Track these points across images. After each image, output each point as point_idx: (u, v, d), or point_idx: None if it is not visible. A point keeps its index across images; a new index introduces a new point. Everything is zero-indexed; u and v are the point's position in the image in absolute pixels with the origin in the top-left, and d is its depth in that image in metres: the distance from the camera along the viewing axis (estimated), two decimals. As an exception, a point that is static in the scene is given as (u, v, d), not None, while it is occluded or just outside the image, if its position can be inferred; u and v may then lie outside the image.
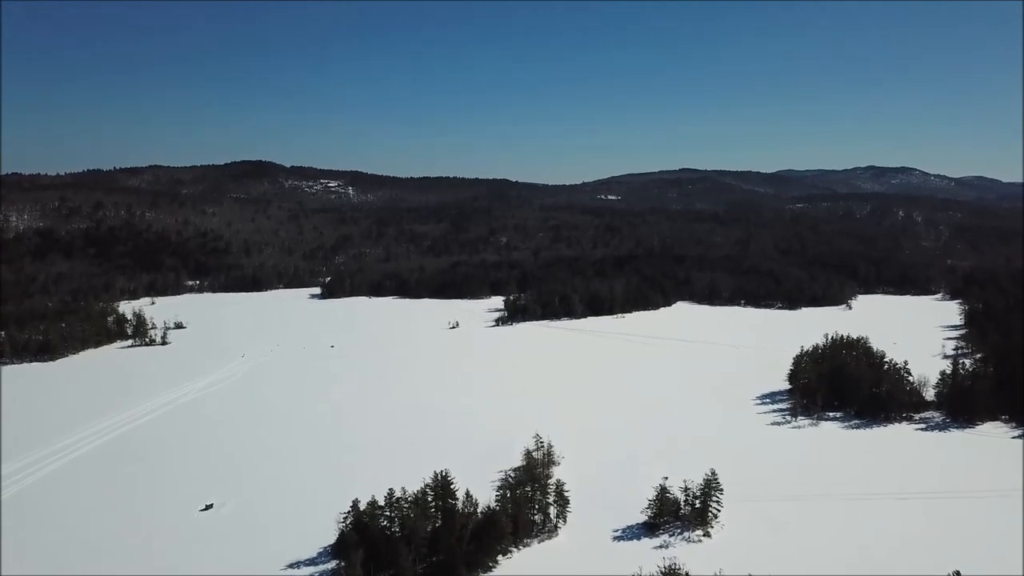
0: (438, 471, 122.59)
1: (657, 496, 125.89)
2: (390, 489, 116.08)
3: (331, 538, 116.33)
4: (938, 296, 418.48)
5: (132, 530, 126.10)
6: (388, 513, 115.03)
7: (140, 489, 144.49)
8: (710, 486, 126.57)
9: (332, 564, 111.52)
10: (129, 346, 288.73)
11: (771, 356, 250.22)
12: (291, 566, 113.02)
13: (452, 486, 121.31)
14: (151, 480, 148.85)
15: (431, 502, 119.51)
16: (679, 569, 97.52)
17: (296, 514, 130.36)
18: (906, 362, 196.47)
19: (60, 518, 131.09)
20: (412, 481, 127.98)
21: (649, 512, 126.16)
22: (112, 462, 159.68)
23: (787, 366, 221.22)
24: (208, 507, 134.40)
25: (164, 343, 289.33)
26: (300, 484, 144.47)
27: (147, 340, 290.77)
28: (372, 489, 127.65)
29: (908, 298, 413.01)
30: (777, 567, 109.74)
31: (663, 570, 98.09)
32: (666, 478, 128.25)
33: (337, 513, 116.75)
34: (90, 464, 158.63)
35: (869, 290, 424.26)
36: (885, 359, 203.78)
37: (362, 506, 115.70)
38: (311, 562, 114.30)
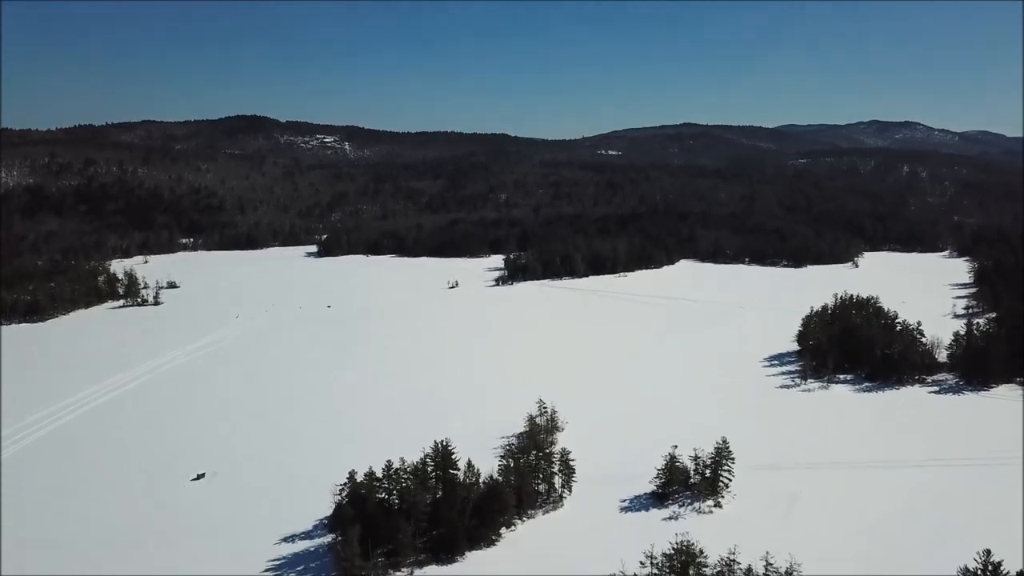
0: (438, 440, 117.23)
1: (666, 465, 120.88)
2: (388, 461, 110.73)
3: (326, 510, 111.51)
4: (945, 254, 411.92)
5: (122, 500, 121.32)
6: (386, 485, 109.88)
7: (129, 457, 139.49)
8: (721, 455, 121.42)
9: (328, 538, 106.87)
10: (120, 307, 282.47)
11: (778, 316, 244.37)
12: (286, 540, 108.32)
13: (453, 456, 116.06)
14: (140, 448, 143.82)
15: (431, 473, 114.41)
16: (692, 546, 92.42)
17: (290, 485, 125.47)
18: (919, 323, 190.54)
19: (47, 488, 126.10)
20: (411, 450, 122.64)
21: (657, 482, 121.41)
22: (100, 429, 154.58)
23: (794, 326, 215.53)
24: (199, 476, 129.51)
25: (156, 303, 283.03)
26: (294, 453, 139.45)
27: (139, 300, 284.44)
28: (368, 459, 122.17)
29: (915, 256, 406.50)
30: (792, 540, 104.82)
31: (675, 546, 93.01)
32: (675, 447, 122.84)
33: (332, 484, 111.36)
34: (77, 431, 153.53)
35: (875, 248, 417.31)
36: (897, 320, 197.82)
37: (359, 477, 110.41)
38: (306, 535, 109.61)
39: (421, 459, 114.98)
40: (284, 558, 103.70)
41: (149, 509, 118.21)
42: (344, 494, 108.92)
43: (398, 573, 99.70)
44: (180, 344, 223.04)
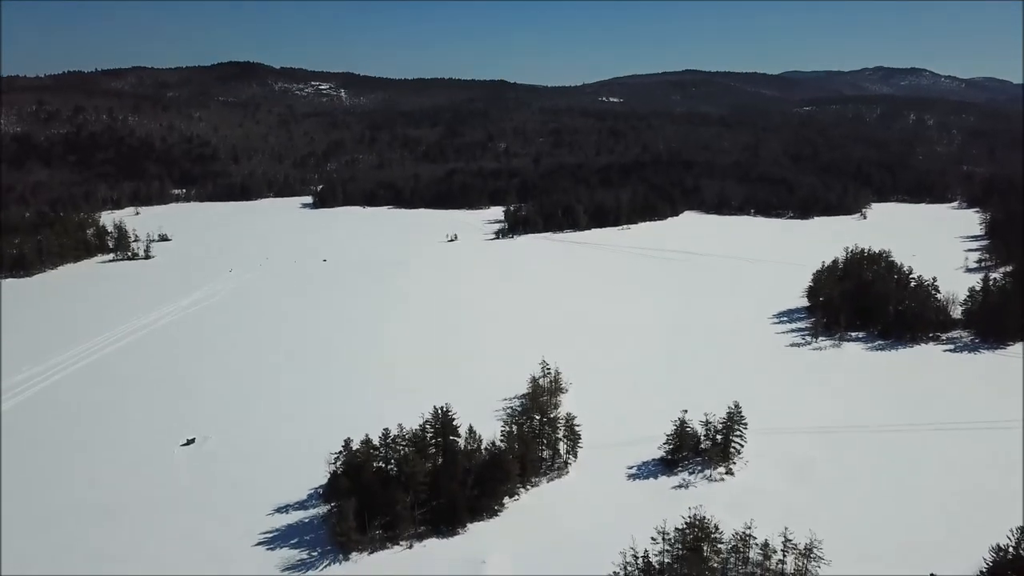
0: (438, 406, 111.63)
1: (675, 431, 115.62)
2: (385, 429, 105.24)
3: (321, 478, 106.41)
4: (954, 204, 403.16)
5: (109, 468, 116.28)
6: (383, 453, 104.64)
7: (117, 420, 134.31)
8: (733, 420, 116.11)
9: (323, 508, 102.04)
10: (110, 260, 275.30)
11: (786, 270, 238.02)
12: (279, 510, 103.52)
13: (454, 423, 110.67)
14: (128, 411, 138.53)
15: (431, 440, 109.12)
16: (707, 522, 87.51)
17: (283, 450, 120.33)
18: (935, 279, 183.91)
19: (32, 455, 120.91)
20: (409, 414, 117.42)
21: (666, 448, 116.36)
22: (87, 390, 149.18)
23: (804, 281, 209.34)
24: (189, 442, 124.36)
25: (147, 257, 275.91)
26: (287, 418, 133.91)
27: (129, 254, 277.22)
28: (365, 425, 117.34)
29: (924, 206, 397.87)
30: (807, 510, 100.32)
31: (688, 520, 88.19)
32: (685, 411, 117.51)
33: (327, 453, 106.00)
34: (63, 393, 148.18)
35: (883, 198, 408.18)
36: (911, 275, 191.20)
37: (355, 445, 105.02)
38: (300, 505, 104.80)
39: (420, 426, 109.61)
40: (277, 530, 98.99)
41: (137, 477, 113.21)
42: (339, 463, 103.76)
43: (396, 546, 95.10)
44: (171, 299, 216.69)
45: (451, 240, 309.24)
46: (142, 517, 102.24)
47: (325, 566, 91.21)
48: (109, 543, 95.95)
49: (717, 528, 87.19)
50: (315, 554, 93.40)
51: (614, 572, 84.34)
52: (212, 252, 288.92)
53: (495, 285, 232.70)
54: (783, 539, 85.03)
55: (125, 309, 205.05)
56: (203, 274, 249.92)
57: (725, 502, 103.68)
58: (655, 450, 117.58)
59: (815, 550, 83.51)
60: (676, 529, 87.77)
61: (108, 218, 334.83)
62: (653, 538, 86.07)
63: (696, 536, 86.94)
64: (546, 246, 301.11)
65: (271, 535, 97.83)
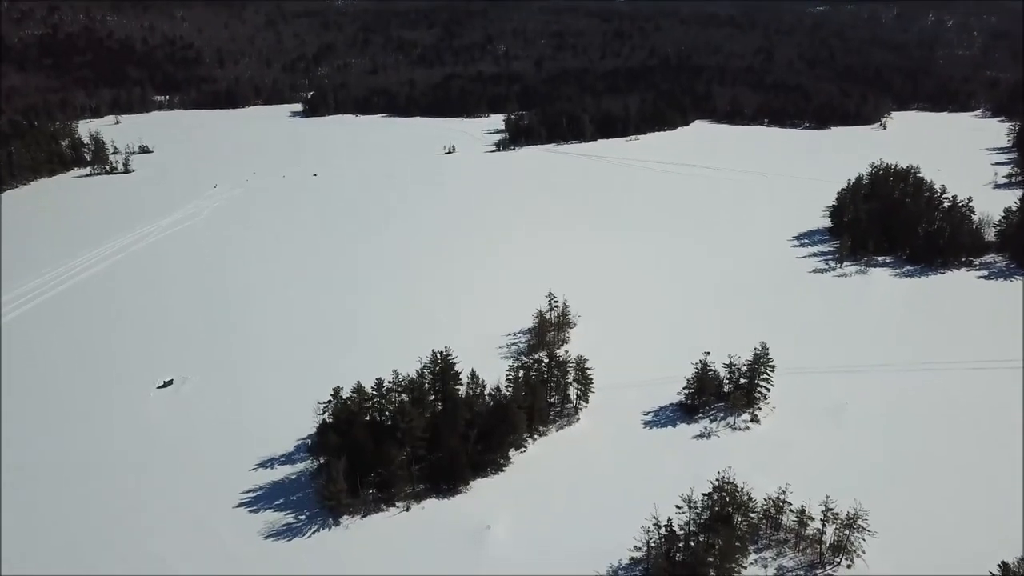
0: (437, 350, 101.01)
1: (696, 374, 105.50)
2: (378, 379, 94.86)
3: (310, 426, 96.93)
4: (978, 113, 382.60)
5: (80, 414, 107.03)
6: (377, 403, 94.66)
7: (91, 358, 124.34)
8: (759, 362, 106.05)
9: (311, 463, 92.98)
10: (87, 175, 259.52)
11: (804, 187, 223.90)
12: (263, 464, 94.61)
13: (454, 368, 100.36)
14: (100, 348, 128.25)
15: (429, 387, 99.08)
16: (738, 491, 78.23)
17: (268, 395, 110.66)
18: (970, 199, 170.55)
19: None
20: (407, 351, 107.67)
21: (686, 393, 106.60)
22: (59, 322, 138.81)
23: (823, 199, 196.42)
24: (166, 384, 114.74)
25: (127, 171, 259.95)
26: (273, 357, 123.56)
27: (107, 168, 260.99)
28: (356, 363, 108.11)
29: (946, 115, 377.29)
30: (841, 462, 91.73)
31: (716, 484, 79.03)
32: (707, 353, 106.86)
33: (316, 400, 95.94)
34: (32, 326, 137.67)
35: (903, 106, 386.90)
36: (943, 195, 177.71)
37: (346, 392, 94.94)
38: (287, 459, 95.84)
39: (418, 371, 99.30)
40: (260, 488, 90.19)
41: (107, 427, 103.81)
42: (328, 413, 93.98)
43: (392, 508, 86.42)
44: (151, 219, 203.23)
45: (448, 152, 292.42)
46: (113, 475, 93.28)
47: (313, 532, 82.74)
48: (74, 508, 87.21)
49: (750, 498, 78.04)
50: (302, 518, 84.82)
51: (634, 547, 75.87)
52: (196, 166, 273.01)
53: (496, 205, 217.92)
54: (824, 507, 76.12)
55: (100, 230, 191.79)
56: (185, 190, 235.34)
57: (751, 455, 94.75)
58: (673, 393, 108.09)
59: (860, 520, 74.58)
60: (703, 495, 78.85)
61: (86, 128, 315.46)
62: (678, 506, 76.98)
63: (724, 502, 78.07)
64: (550, 159, 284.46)
65: (254, 494, 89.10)
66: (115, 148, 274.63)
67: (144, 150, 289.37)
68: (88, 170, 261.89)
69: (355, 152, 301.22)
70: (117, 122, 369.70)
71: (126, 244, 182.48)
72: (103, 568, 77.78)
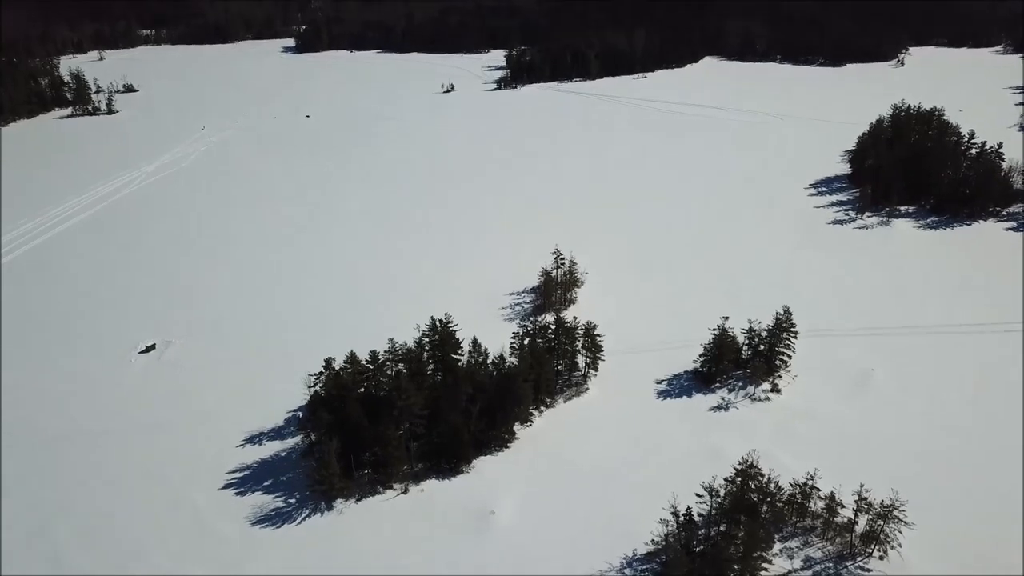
0: (435, 317, 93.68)
1: (715, 340, 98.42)
2: (372, 351, 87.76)
3: (300, 397, 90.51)
4: (999, 49, 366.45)
5: (53, 385, 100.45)
6: (372, 374, 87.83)
7: (66, 320, 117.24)
8: (781, 327, 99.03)
9: (302, 440, 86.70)
10: (69, 115, 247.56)
11: (821, 129, 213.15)
12: (251, 440, 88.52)
13: (455, 336, 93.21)
14: (80, 307, 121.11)
15: (428, 356, 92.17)
16: (765, 479, 72.01)
17: (256, 361, 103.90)
18: (1000, 145, 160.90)
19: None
20: (401, 311, 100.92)
21: (702, 360, 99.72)
22: (37, 278, 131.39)
23: (841, 142, 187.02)
24: (149, 348, 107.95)
25: (110, 112, 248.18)
26: (260, 319, 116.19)
27: (90, 108, 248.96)
28: (350, 325, 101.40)
29: (966, 51, 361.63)
30: (871, 439, 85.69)
31: (739, 468, 72.88)
32: (726, 318, 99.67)
33: (306, 373, 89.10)
34: (8, 282, 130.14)
35: (921, 42, 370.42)
36: (972, 140, 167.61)
37: (338, 363, 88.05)
38: (276, 434, 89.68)
39: (416, 340, 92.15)
40: (248, 467, 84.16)
41: (86, 397, 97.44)
42: (319, 386, 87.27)
43: (389, 490, 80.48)
44: (135, 164, 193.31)
45: (447, 91, 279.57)
46: (90, 450, 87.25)
47: (303, 518, 76.89)
48: (46, 490, 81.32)
49: (779, 488, 71.88)
50: (292, 501, 78.94)
51: (652, 540, 70.10)
52: (183, 106, 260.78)
53: (498, 149, 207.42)
54: (857, 496, 70.01)
55: (80, 178, 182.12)
56: (172, 132, 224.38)
57: (772, 429, 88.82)
58: (686, 360, 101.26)
59: (897, 510, 68.54)
60: (725, 480, 72.84)
61: (70, 64, 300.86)
62: (698, 494, 70.97)
63: (747, 489, 71.95)
64: (554, 99, 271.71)
65: (241, 474, 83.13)
66: (98, 87, 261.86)
67: (129, 88, 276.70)
68: (70, 111, 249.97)
69: (350, 91, 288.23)
70: (101, 58, 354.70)
71: (107, 193, 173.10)
72: (69, 551, 72.36)
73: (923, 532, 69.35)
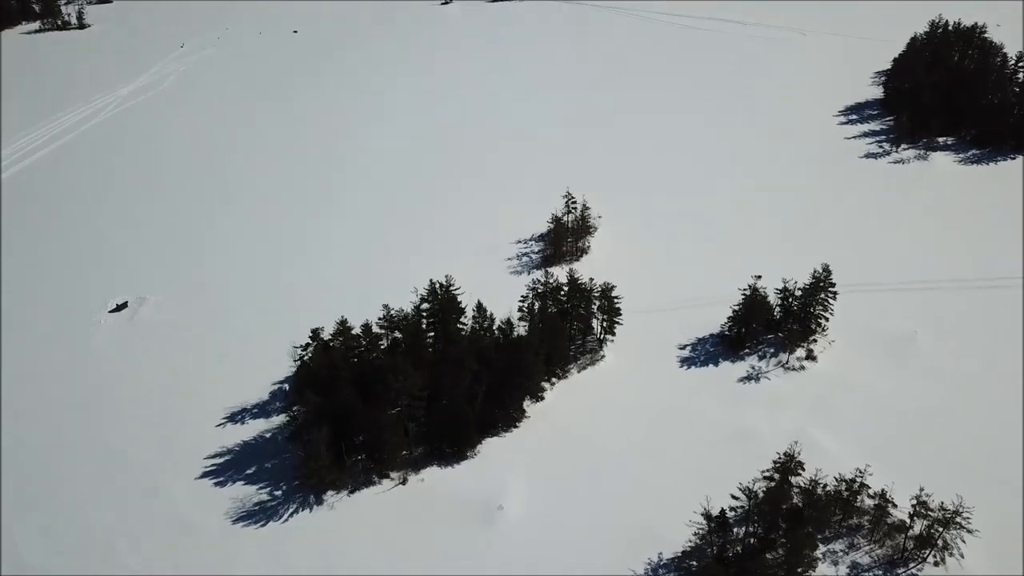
0: (435, 280, 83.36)
1: (745, 302, 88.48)
2: (365, 324, 78.13)
3: (287, 366, 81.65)
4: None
5: (10, 349, 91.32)
6: (365, 350, 78.46)
7: (27, 275, 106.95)
8: (820, 287, 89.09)
9: (289, 422, 78.07)
10: (36, 31, 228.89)
11: (849, 46, 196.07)
12: (232, 418, 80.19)
13: (457, 299, 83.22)
14: (43, 260, 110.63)
15: (427, 326, 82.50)
16: (809, 483, 63.71)
17: (238, 322, 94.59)
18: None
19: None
20: (397, 267, 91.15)
21: (729, 324, 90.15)
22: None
23: (871, 62, 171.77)
24: (119, 307, 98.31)
25: (81, 26, 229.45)
26: (241, 272, 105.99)
27: (59, 22, 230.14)
28: (340, 280, 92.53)
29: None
30: (917, 414, 77.70)
31: (778, 462, 64.63)
32: (758, 277, 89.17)
33: (290, 344, 79.82)
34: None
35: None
36: (1021, 62, 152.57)
37: (327, 332, 78.55)
38: (260, 410, 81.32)
39: (414, 306, 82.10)
40: (230, 451, 76.00)
41: (45, 362, 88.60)
42: (307, 357, 78.01)
43: (387, 480, 72.57)
44: (107, 87, 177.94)
45: (445, 2, 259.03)
46: (50, 430, 78.82)
47: (291, 513, 69.13)
48: (7, 474, 73.21)
49: (824, 488, 63.65)
50: (278, 494, 71.12)
51: (682, 551, 62.41)
52: (160, 19, 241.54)
53: (499, 75, 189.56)
54: (915, 500, 61.85)
55: (48, 104, 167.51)
56: (148, 50, 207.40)
57: (808, 404, 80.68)
58: (712, 320, 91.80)
59: (960, 516, 60.57)
60: (763, 475, 64.73)
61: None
62: (734, 496, 62.86)
63: (786, 485, 63.82)
64: (562, 12, 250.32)
65: (222, 460, 75.07)
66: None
67: (101, 0, 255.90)
68: (37, 25, 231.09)
69: (339, 3, 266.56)
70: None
71: (77, 122, 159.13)
72: (31, 550, 64.96)
73: (979, 525, 61.62)
